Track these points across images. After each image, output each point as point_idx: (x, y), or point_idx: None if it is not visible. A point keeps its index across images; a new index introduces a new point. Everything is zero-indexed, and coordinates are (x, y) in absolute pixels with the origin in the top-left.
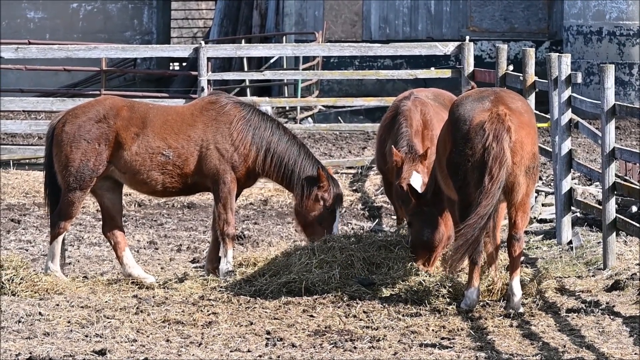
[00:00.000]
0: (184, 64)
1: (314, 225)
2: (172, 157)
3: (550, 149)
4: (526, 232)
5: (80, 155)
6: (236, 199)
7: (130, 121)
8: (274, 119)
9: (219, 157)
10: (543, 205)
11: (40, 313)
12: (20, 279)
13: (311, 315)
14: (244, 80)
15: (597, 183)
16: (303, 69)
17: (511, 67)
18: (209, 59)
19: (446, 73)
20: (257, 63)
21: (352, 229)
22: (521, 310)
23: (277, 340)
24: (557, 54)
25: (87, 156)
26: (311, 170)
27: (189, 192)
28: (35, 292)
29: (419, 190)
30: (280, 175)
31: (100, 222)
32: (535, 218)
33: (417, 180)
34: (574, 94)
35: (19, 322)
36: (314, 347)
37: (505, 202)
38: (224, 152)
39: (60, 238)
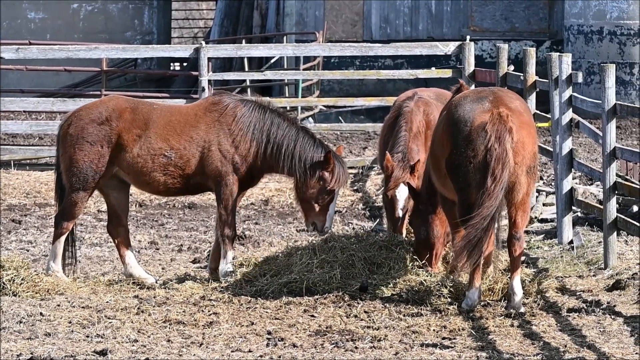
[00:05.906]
0: (185, 64)
1: (311, 202)
2: (174, 158)
3: (551, 149)
4: (527, 232)
5: (83, 156)
6: (241, 199)
7: (132, 123)
8: (274, 110)
9: (221, 159)
10: (544, 205)
11: (41, 313)
12: (22, 280)
13: (312, 315)
14: (244, 81)
15: (598, 183)
16: (304, 69)
17: (512, 67)
18: (209, 59)
19: (447, 73)
20: (258, 63)
21: (354, 228)
22: (522, 310)
23: (278, 340)
24: (558, 53)
25: (89, 158)
26: (312, 151)
27: (193, 192)
28: (36, 293)
29: (402, 203)
30: (281, 162)
31: (102, 223)
32: (536, 218)
33: (403, 192)
34: (575, 94)
35: (20, 322)
36: (315, 347)
37: (505, 201)
38: (226, 154)
39: (62, 238)
